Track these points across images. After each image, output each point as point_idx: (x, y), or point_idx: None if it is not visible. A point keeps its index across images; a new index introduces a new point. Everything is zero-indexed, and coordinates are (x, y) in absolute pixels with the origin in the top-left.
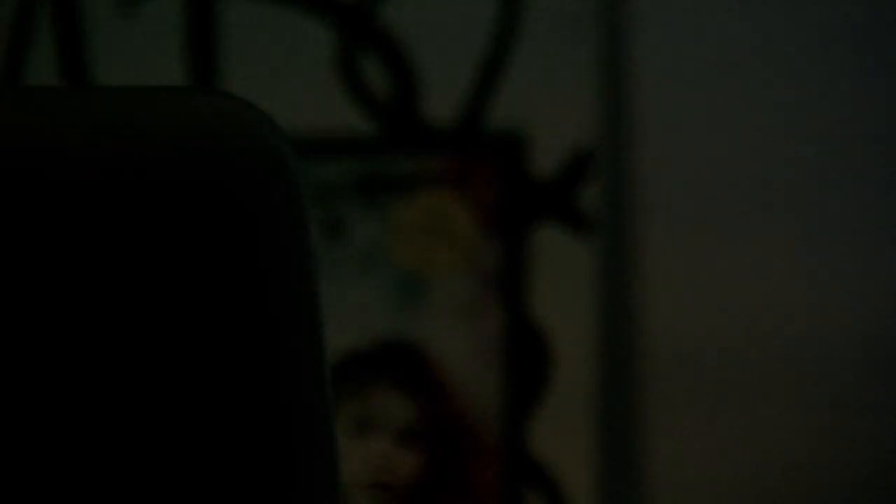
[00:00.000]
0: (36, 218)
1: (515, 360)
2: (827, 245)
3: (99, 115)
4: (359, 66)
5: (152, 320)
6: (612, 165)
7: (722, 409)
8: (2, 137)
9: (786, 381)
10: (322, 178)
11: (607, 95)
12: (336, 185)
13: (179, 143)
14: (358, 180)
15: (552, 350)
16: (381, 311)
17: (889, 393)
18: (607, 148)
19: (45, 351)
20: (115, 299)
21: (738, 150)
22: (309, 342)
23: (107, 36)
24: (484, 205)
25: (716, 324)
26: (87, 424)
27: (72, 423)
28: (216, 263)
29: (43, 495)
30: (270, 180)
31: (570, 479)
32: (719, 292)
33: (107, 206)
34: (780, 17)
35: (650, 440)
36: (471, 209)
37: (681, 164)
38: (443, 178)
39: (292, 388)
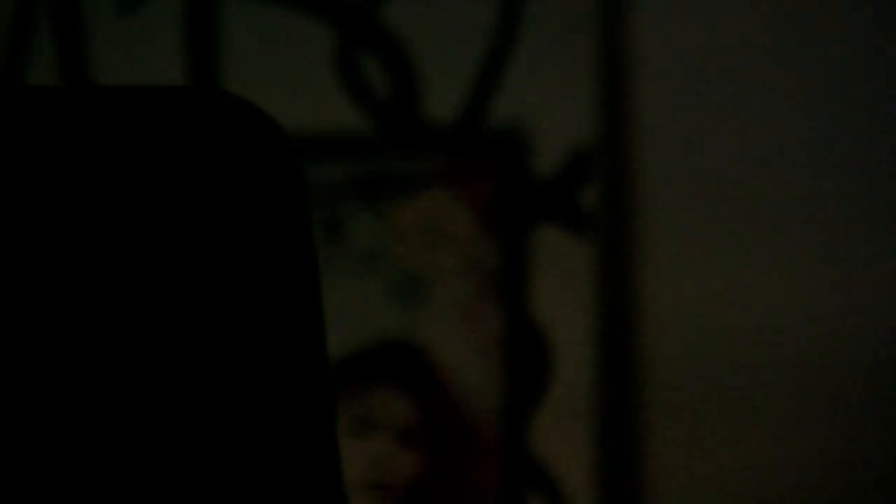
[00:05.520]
0: (36, 217)
1: (515, 360)
2: (828, 245)
3: (99, 114)
4: (359, 66)
5: (152, 320)
6: (612, 165)
7: (722, 410)
8: (1, 137)
9: (786, 381)
10: (322, 178)
11: (607, 95)
12: (336, 185)
13: (180, 142)
14: (358, 180)
15: (552, 350)
16: (381, 311)
17: (892, 394)
18: (607, 148)
19: (42, 356)
20: (114, 299)
21: (739, 150)
22: (309, 342)
23: (107, 36)
24: (484, 205)
25: (716, 324)
26: (85, 422)
27: (70, 421)
28: (217, 262)
29: (43, 495)
30: (272, 180)
31: (570, 479)
32: (719, 292)
33: (106, 206)
34: (780, 16)
35: (650, 440)
36: (471, 209)
37: (681, 163)
38: (442, 178)
39: (293, 388)
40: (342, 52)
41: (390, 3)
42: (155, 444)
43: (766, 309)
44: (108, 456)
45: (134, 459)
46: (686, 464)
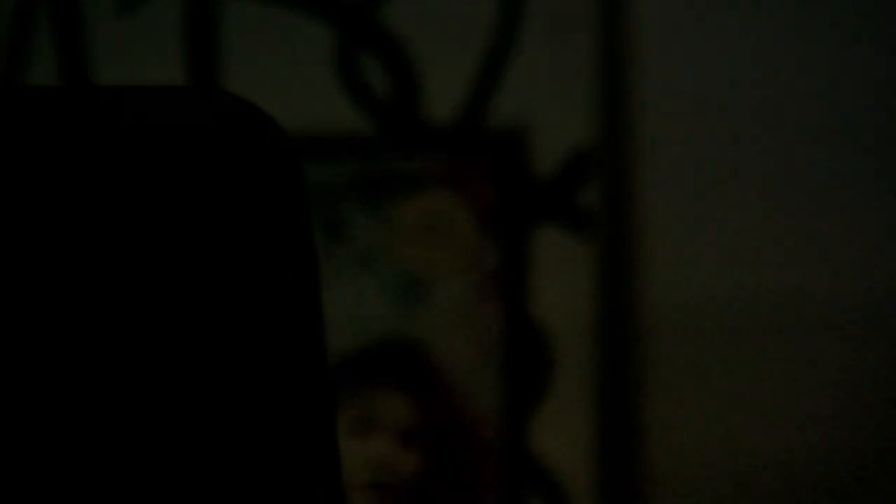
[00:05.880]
0: (35, 217)
1: (515, 360)
2: (828, 242)
3: (99, 114)
4: (359, 66)
5: (151, 319)
6: (612, 165)
7: (723, 410)
8: (1, 137)
9: (786, 381)
10: (322, 178)
11: (607, 95)
12: (336, 185)
13: (180, 142)
14: (358, 180)
15: (552, 350)
16: (381, 311)
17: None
18: (607, 148)
19: (41, 355)
20: (114, 298)
21: (739, 150)
22: (309, 342)
23: (107, 36)
24: (484, 205)
25: (716, 324)
26: (84, 422)
27: (70, 421)
28: (217, 263)
29: (43, 495)
30: (272, 180)
31: (570, 479)
32: (719, 292)
33: (106, 206)
34: (780, 15)
35: (650, 440)
36: (471, 209)
37: (681, 163)
38: (443, 178)
39: (293, 388)
40: (342, 52)
41: (390, 3)
42: (155, 444)
43: (767, 309)
44: (109, 456)
45: (134, 459)
46: (687, 464)
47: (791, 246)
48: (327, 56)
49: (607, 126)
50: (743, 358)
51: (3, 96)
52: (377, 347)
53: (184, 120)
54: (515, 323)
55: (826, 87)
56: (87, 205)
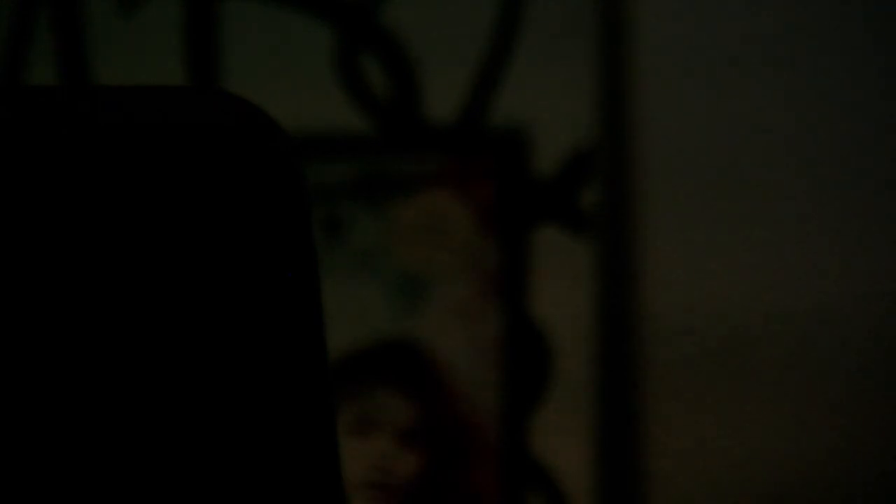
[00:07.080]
0: (35, 217)
1: (515, 360)
2: (828, 243)
3: (99, 114)
4: (359, 66)
5: (151, 319)
6: (612, 165)
7: (722, 409)
8: (1, 137)
9: (787, 380)
10: (322, 178)
11: (607, 95)
12: (336, 185)
13: (180, 142)
14: (358, 180)
15: (552, 350)
16: (381, 311)
17: (893, 379)
18: (607, 148)
19: (41, 355)
20: (114, 298)
21: (739, 150)
22: (309, 342)
23: (107, 36)
24: (484, 205)
25: (716, 324)
26: (83, 422)
27: (69, 421)
28: (217, 263)
29: (43, 495)
30: (272, 180)
31: (570, 479)
32: (719, 292)
33: (106, 207)
34: (781, 15)
35: (650, 440)
36: (471, 209)
37: (681, 163)
38: (443, 178)
39: (293, 388)
40: (342, 52)
41: (390, 3)
42: (154, 445)
43: (767, 309)
44: (108, 456)
45: (133, 460)
46: (686, 463)
47: (793, 248)
48: (327, 56)
49: (607, 126)
50: (744, 359)
51: (3, 96)
52: (377, 347)
53: (184, 120)
54: (515, 323)
55: (829, 88)
56: (87, 205)
